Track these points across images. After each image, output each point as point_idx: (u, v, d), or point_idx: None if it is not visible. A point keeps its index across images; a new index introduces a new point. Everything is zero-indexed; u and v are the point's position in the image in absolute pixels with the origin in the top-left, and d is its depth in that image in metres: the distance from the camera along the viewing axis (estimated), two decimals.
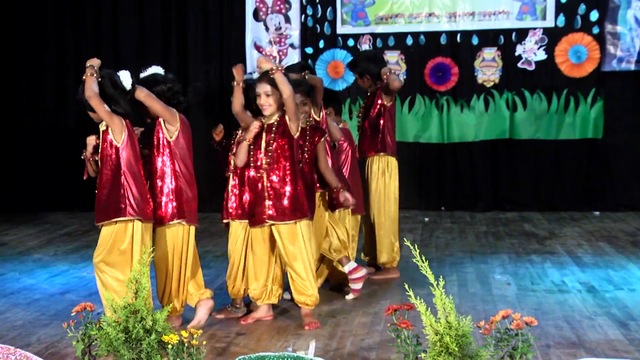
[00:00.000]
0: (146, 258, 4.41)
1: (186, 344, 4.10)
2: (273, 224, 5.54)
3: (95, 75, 5.08)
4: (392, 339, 3.94)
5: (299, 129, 5.59)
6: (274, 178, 5.53)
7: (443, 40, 10.76)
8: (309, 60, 10.90)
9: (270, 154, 5.52)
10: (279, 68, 5.42)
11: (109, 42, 11.28)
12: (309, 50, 10.99)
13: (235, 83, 5.64)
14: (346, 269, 6.30)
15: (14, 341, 5.16)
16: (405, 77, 10.80)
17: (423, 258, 3.80)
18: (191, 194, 5.49)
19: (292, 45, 11.02)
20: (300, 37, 11.02)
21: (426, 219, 10.12)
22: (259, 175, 5.55)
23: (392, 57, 10.76)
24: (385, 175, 7.01)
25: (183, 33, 11.23)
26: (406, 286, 4.01)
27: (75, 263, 7.65)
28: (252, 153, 5.58)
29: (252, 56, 10.96)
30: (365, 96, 7.19)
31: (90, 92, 5.03)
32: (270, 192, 5.52)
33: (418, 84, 10.82)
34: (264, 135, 5.57)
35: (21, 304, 6.26)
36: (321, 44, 10.98)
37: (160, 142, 5.41)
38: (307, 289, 5.57)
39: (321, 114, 6.21)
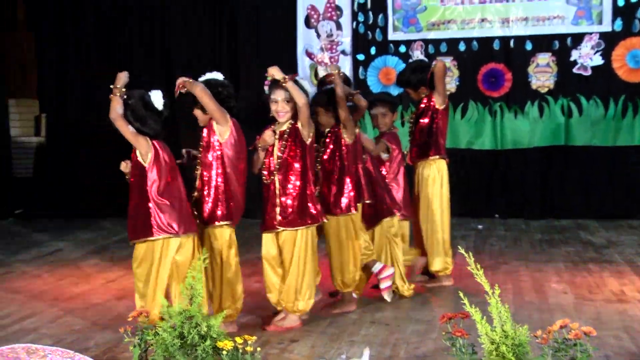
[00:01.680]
0: (200, 264, 4.46)
1: (240, 350, 4.13)
2: (283, 230, 5.63)
3: (120, 94, 5.11)
4: (447, 347, 3.93)
5: (311, 135, 5.63)
6: (284, 184, 5.61)
7: (496, 45, 10.69)
8: (360, 67, 10.92)
9: (280, 160, 5.58)
10: (291, 76, 5.46)
11: (160, 52, 11.40)
12: (361, 56, 11.00)
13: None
14: (374, 269, 6.34)
15: (72, 345, 5.24)
16: (457, 83, 10.76)
17: (477, 266, 3.78)
18: (240, 197, 5.53)
19: (343, 52, 11.04)
20: (351, 43, 11.03)
21: (479, 227, 10.06)
22: (268, 181, 5.64)
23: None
24: (436, 181, 6.97)
25: (234, 41, 11.30)
26: (461, 294, 4.00)
27: (131, 269, 7.71)
28: (263, 159, 5.69)
29: (303, 63, 11.01)
30: (417, 103, 7.16)
31: (114, 114, 5.08)
32: (281, 199, 5.60)
33: (471, 90, 10.76)
34: (276, 142, 5.64)
35: (79, 308, 6.36)
36: (372, 51, 10.98)
37: (211, 143, 5.46)
38: (289, 297, 5.66)
39: (356, 131, 6.20)
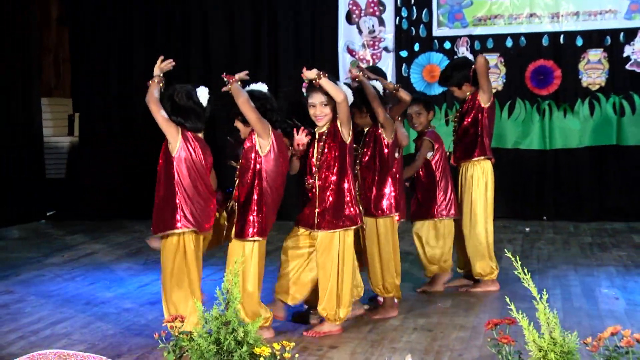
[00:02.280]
0: (238, 268, 4.48)
1: (278, 357, 4.14)
2: (320, 232, 5.65)
3: (159, 82, 5.31)
4: (492, 354, 3.91)
5: (351, 134, 5.62)
6: (324, 186, 5.63)
7: (545, 41, 10.62)
8: (404, 65, 10.91)
9: (320, 162, 5.61)
10: (324, 75, 5.44)
11: (199, 49, 11.49)
12: (404, 53, 10.99)
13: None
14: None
15: (106, 351, 5.30)
16: (504, 80, 10.71)
17: (525, 270, 3.76)
18: (273, 212, 5.56)
19: (386, 49, 11.04)
20: (394, 40, 11.02)
21: (527, 229, 9.99)
22: (310, 185, 5.65)
23: (491, 60, 10.60)
24: (480, 183, 6.93)
25: (274, 37, 11.35)
26: (507, 299, 3.97)
27: None
28: (303, 162, 5.72)
29: (344, 60, 11.03)
30: (462, 101, 7.11)
31: (149, 97, 5.26)
32: (320, 201, 5.62)
33: (518, 88, 10.70)
34: (315, 144, 5.65)
35: (112, 313, 6.42)
36: (416, 47, 10.96)
37: (251, 156, 5.47)
38: (331, 305, 5.64)
39: (395, 123, 6.24)
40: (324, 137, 5.64)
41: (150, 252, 8.99)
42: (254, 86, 5.62)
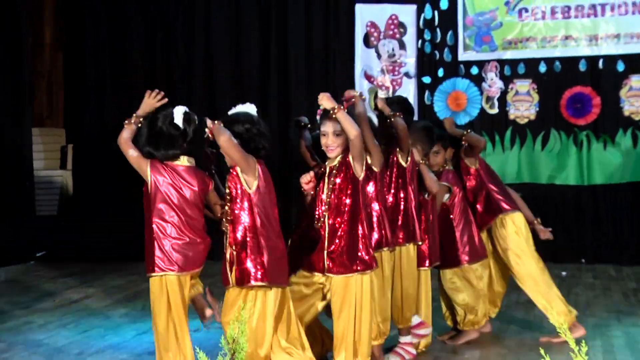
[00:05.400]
0: (246, 315, 4.45)
1: None
2: (332, 277, 5.57)
3: (135, 122, 5.34)
4: None
5: (364, 170, 5.61)
6: (334, 226, 5.56)
7: (582, 66, 10.62)
8: (426, 92, 10.93)
9: (330, 200, 5.57)
10: (341, 107, 5.43)
11: (203, 77, 11.53)
12: (427, 79, 11.01)
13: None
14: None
15: None
16: (537, 109, 10.70)
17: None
18: (278, 252, 5.35)
19: (407, 74, 11.06)
20: (416, 65, 11.05)
21: (563, 273, 9.93)
22: (318, 224, 5.59)
23: (523, 87, 10.67)
24: (511, 237, 6.96)
25: (284, 61, 11.39)
26: (542, 351, 3.93)
27: None
28: (312, 199, 5.68)
29: (362, 87, 11.06)
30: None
31: (119, 138, 5.35)
32: (331, 242, 5.55)
33: (553, 117, 10.70)
34: (325, 179, 5.62)
35: None
36: (440, 73, 10.99)
37: (238, 193, 5.40)
38: (348, 353, 5.56)
39: (408, 159, 6.23)
40: (334, 171, 5.61)
41: (149, 296, 8.97)
42: (242, 107, 5.55)
